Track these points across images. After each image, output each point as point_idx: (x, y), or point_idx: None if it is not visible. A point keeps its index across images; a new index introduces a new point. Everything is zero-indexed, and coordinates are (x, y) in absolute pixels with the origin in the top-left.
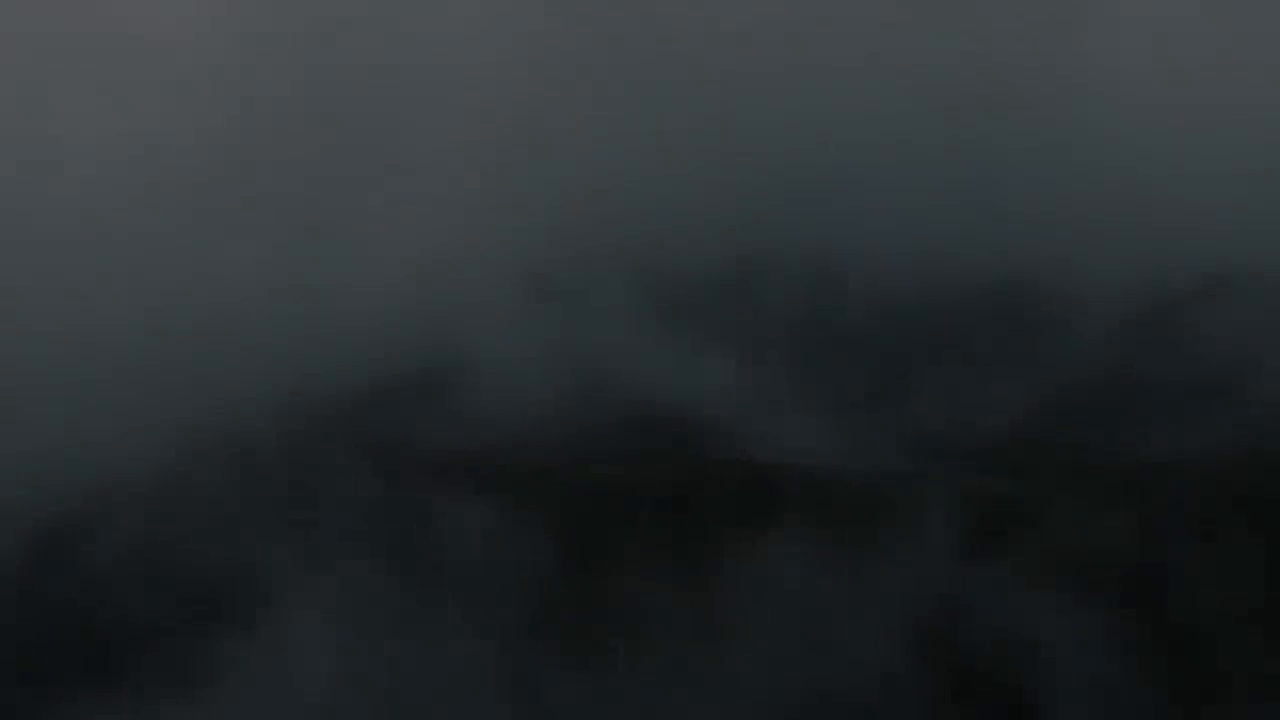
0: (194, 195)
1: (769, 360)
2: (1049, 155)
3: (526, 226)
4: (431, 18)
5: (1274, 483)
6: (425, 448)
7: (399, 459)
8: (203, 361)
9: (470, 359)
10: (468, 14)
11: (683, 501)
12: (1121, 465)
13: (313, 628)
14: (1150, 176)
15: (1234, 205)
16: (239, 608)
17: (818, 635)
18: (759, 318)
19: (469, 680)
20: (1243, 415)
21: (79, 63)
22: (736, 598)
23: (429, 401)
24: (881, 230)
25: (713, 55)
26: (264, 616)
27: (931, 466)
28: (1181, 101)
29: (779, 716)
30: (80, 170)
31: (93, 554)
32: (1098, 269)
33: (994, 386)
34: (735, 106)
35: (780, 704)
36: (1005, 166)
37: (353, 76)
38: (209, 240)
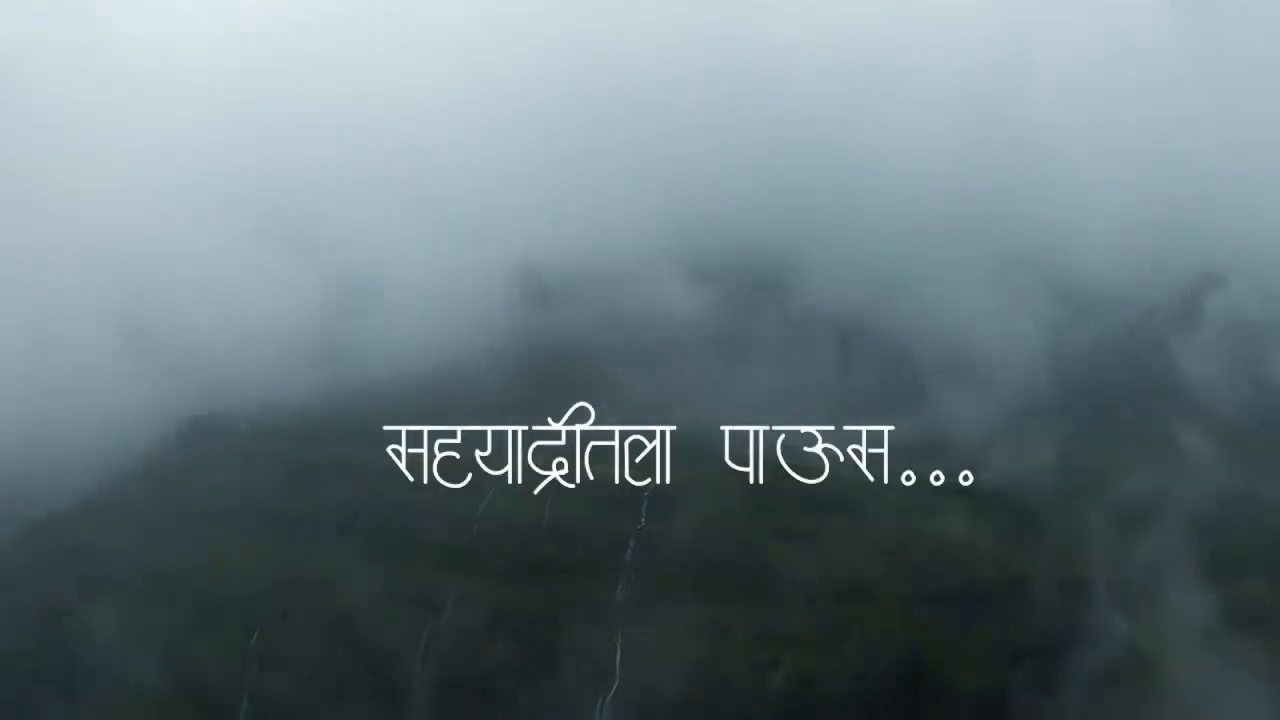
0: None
1: (770, 364)
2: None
3: (525, 229)
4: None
5: None
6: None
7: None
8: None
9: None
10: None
11: (682, 502)
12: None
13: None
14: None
15: None
16: None
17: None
18: (761, 323)
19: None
20: None
21: None
22: (735, 596)
23: (425, 400)
24: (878, 236)
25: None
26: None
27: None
28: None
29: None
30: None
31: None
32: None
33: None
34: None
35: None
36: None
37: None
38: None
